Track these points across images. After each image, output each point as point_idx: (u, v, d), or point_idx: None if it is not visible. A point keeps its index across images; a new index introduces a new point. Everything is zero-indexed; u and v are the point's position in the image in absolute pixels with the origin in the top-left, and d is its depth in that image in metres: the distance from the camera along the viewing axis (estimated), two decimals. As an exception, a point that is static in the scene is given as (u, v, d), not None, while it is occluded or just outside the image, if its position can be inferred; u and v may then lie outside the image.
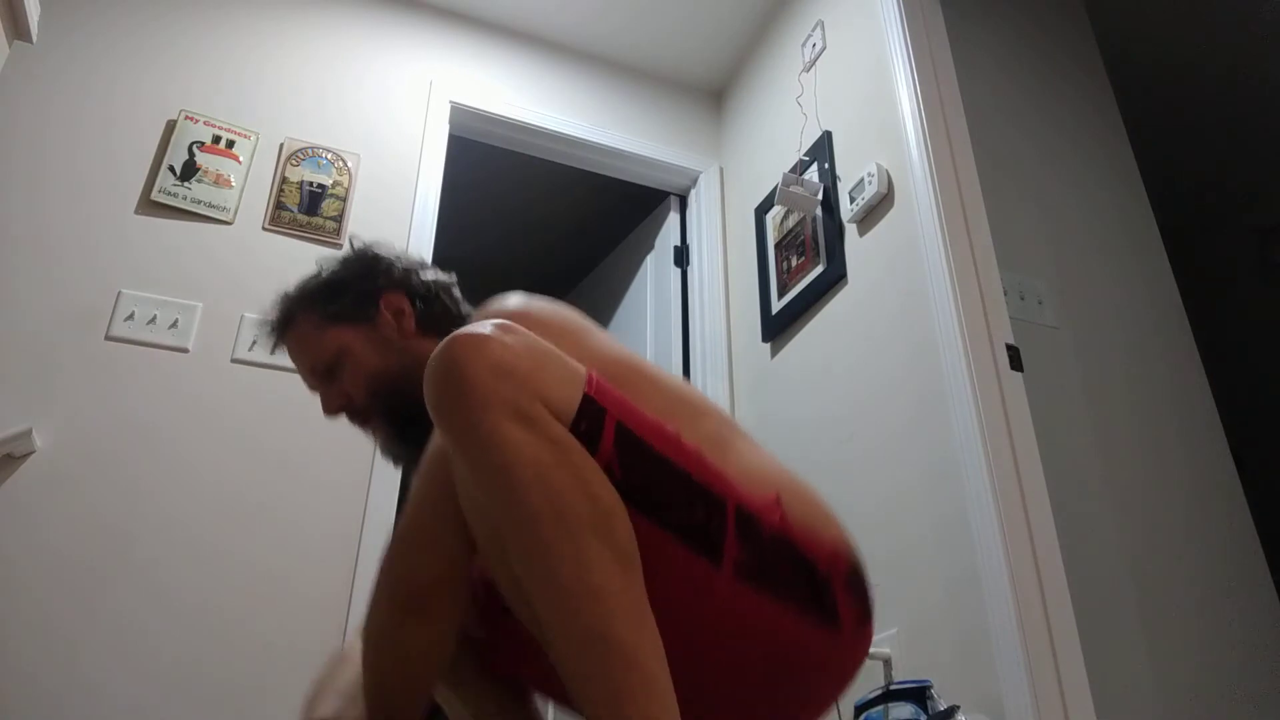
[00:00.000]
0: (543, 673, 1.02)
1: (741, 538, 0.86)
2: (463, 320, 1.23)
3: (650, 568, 0.82)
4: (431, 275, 1.27)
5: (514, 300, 1.08)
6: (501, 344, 0.83)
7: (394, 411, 1.17)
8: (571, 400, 0.84)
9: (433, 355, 0.84)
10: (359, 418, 1.21)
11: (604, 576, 0.77)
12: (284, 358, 2.19)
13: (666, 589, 0.83)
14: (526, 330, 0.87)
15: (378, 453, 2.21)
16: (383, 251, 1.27)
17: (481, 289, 2.77)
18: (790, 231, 2.57)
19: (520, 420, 0.79)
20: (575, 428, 0.83)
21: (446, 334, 1.03)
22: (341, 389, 1.20)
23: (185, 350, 2.18)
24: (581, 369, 0.88)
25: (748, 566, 0.86)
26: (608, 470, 0.83)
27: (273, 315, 1.25)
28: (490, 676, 1.08)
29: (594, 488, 0.81)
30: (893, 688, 1.62)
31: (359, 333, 1.19)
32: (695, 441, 0.92)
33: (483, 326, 0.85)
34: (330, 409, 1.21)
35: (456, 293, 1.28)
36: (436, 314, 1.23)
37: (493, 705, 1.07)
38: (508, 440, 0.79)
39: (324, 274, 1.25)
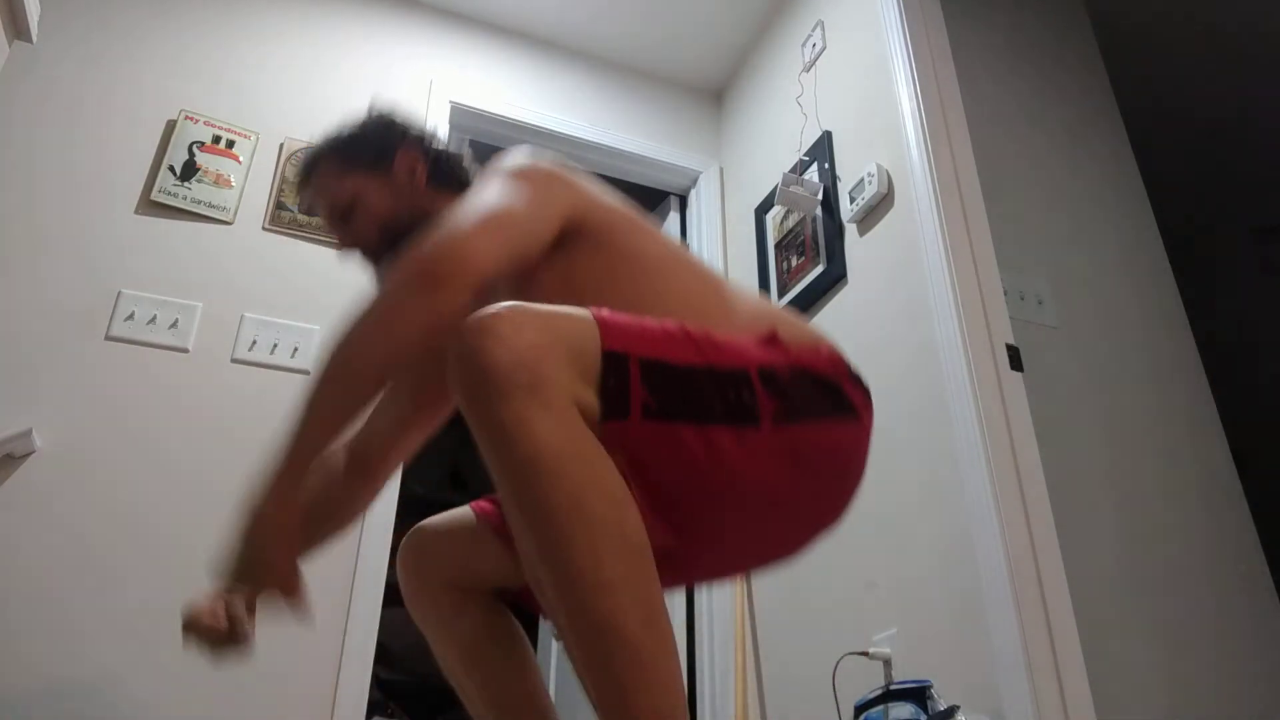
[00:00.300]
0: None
1: (770, 393, 0.95)
2: (468, 184, 1.31)
3: (707, 458, 0.90)
4: (443, 144, 1.38)
5: (514, 160, 1.15)
6: (515, 326, 0.84)
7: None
8: (593, 361, 0.87)
9: (453, 344, 0.85)
10: (370, 257, 1.29)
11: (615, 570, 0.79)
12: (283, 356, 2.19)
13: (725, 467, 0.92)
14: (534, 306, 0.89)
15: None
16: (399, 116, 1.37)
17: (481, 289, 2.78)
18: (790, 231, 2.57)
19: (541, 408, 0.81)
20: (605, 384, 0.87)
21: (455, 191, 1.28)
22: (356, 230, 1.29)
23: (185, 350, 2.18)
24: (590, 319, 0.90)
25: (782, 411, 0.96)
26: (644, 407, 0.88)
27: (301, 162, 1.36)
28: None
29: (608, 482, 0.83)
30: (893, 688, 1.62)
31: (374, 181, 1.29)
32: (696, 312, 1.02)
33: (498, 309, 0.86)
34: (344, 243, 1.31)
35: (467, 163, 1.37)
36: (446, 173, 1.33)
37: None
38: (528, 433, 0.80)
39: (346, 131, 1.34)
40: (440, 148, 1.36)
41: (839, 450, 1.03)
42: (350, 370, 0.99)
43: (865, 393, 1.08)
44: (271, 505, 1.00)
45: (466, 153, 1.39)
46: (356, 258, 1.30)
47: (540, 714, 1.19)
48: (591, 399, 0.86)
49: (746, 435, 0.93)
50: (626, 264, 1.11)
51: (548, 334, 0.85)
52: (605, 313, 0.92)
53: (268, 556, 1.00)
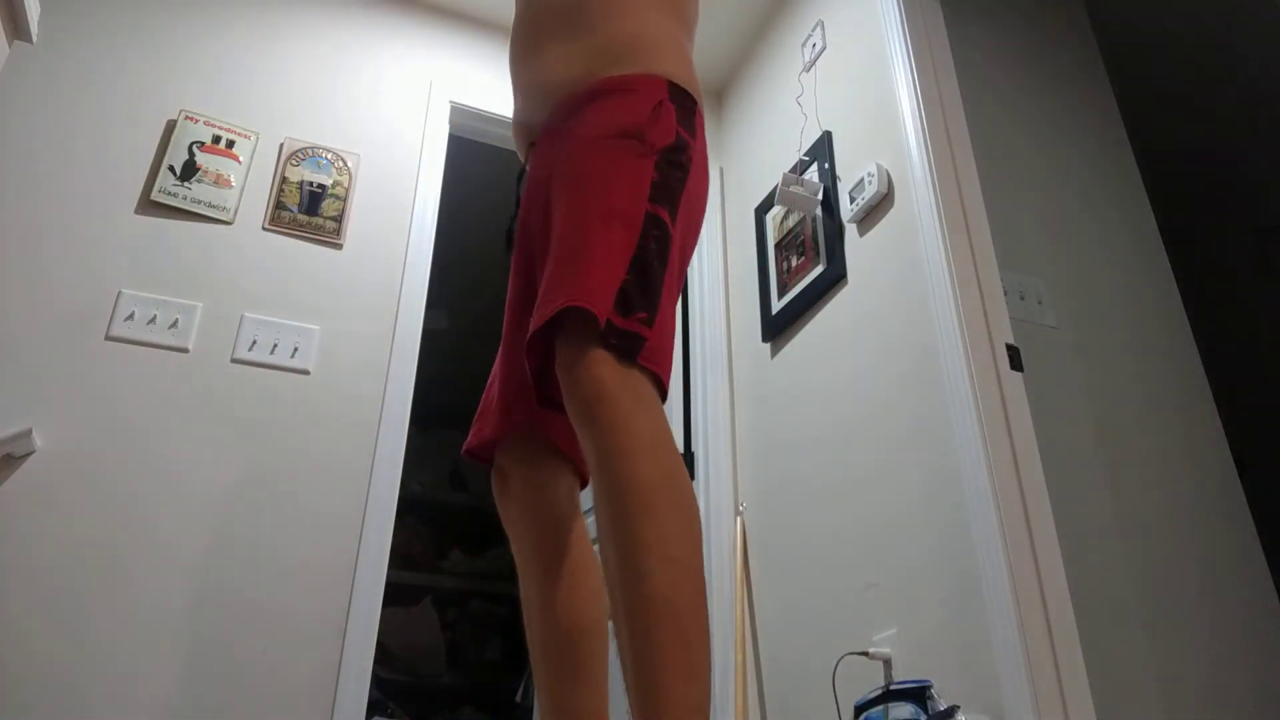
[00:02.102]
0: None
1: (662, 196, 1.16)
2: None
3: (676, 265, 1.17)
4: None
5: None
6: (603, 376, 1.00)
7: None
8: (616, 339, 1.03)
9: (572, 375, 1.01)
10: None
11: (681, 551, 0.88)
12: (283, 356, 2.18)
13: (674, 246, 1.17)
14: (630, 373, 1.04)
15: (378, 455, 2.21)
16: None
17: (481, 288, 2.77)
18: (790, 231, 2.57)
19: (638, 404, 0.97)
20: (627, 349, 1.04)
21: None
22: None
23: (185, 350, 2.18)
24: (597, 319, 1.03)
25: (669, 190, 1.18)
26: (641, 322, 1.06)
27: None
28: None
29: (683, 477, 0.95)
30: (893, 688, 1.62)
31: None
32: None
33: (611, 371, 1.01)
34: None
35: None
36: None
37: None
38: (631, 425, 0.95)
39: None
40: None
41: (697, 193, 1.24)
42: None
43: (691, 126, 1.25)
44: None
45: None
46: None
47: (595, 629, 1.23)
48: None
49: (672, 251, 1.14)
50: None
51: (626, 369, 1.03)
52: (590, 299, 1.03)
53: None
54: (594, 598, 1.22)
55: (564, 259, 1.08)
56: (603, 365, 1.00)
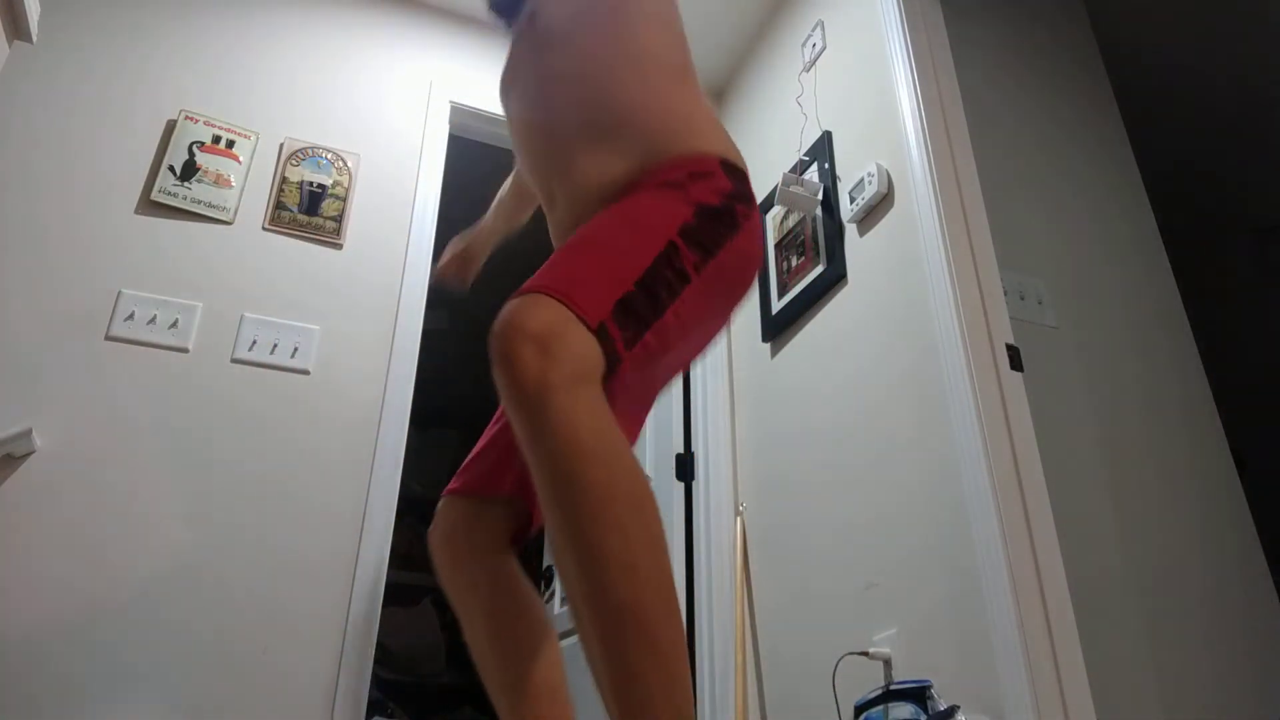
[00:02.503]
0: None
1: (692, 247, 1.09)
2: None
3: (659, 338, 1.04)
4: None
5: None
6: (536, 319, 0.90)
7: None
8: (591, 344, 0.94)
9: (498, 348, 0.91)
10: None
11: (639, 555, 0.83)
12: (283, 356, 2.18)
13: (672, 329, 1.06)
14: (553, 289, 0.95)
15: (378, 455, 2.21)
16: None
17: (481, 289, 2.77)
18: (790, 231, 2.57)
19: (570, 396, 0.87)
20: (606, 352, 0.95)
21: None
22: None
23: (185, 350, 2.18)
24: (581, 325, 0.95)
25: (701, 260, 1.09)
26: (625, 343, 0.97)
27: None
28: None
29: (636, 474, 0.88)
30: (893, 688, 1.62)
31: None
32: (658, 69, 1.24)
33: (538, 322, 0.91)
34: None
35: None
36: None
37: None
38: (566, 424, 0.86)
39: None
40: None
41: (741, 258, 1.15)
42: None
43: (745, 196, 1.19)
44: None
45: None
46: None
47: (553, 692, 1.19)
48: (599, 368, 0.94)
49: (686, 294, 1.06)
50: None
51: (559, 325, 0.91)
52: (574, 291, 0.97)
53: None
54: (552, 667, 1.20)
55: (569, 248, 1.05)
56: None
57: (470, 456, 1.30)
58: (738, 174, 1.20)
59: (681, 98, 1.25)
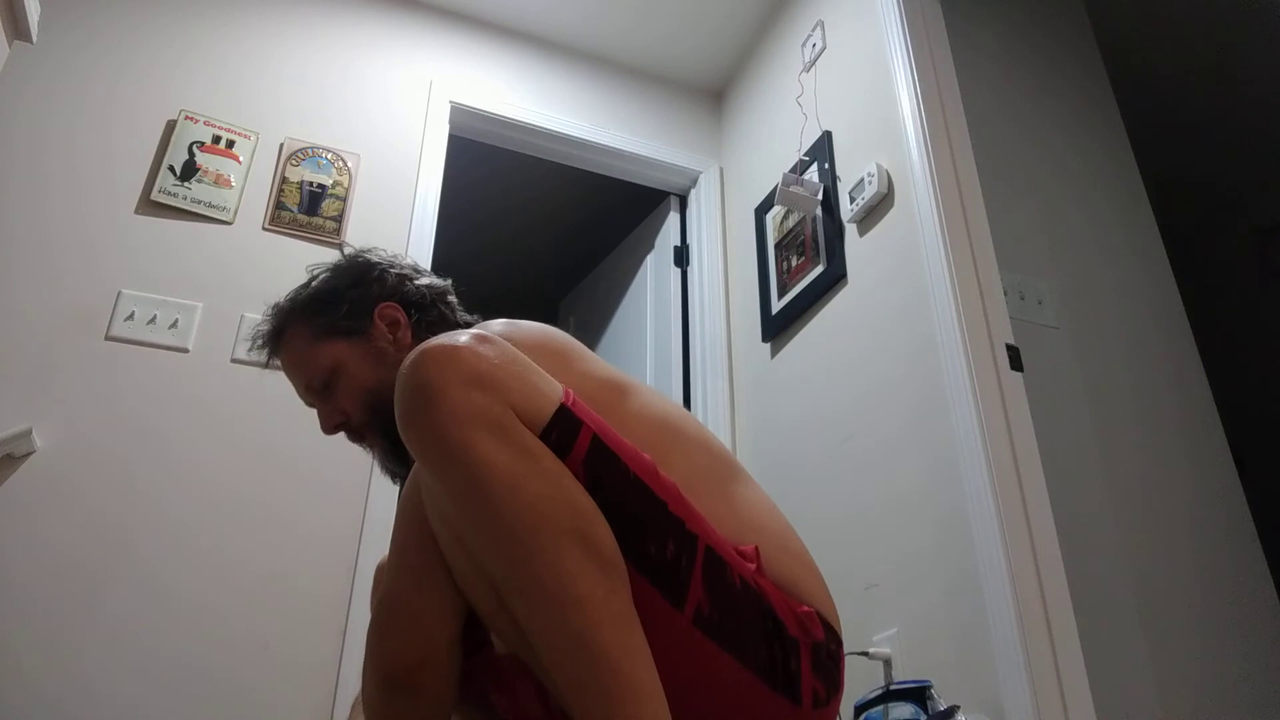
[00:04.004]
0: (514, 703, 1.00)
1: (708, 583, 0.83)
2: (458, 325, 1.19)
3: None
4: (426, 281, 1.22)
5: (498, 323, 1.05)
6: (474, 353, 0.80)
7: (391, 428, 1.16)
8: (544, 410, 0.81)
9: (402, 366, 0.81)
10: (356, 435, 1.18)
11: (588, 585, 0.76)
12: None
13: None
14: (504, 340, 0.85)
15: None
16: (376, 258, 1.22)
17: (481, 289, 2.77)
18: (790, 231, 2.57)
19: (491, 431, 0.77)
20: (546, 436, 0.80)
21: None
22: (338, 405, 1.17)
23: (185, 350, 2.18)
24: (559, 385, 0.86)
25: (709, 618, 0.82)
26: (575, 474, 0.81)
27: (263, 329, 1.22)
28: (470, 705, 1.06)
29: (571, 495, 0.79)
30: (893, 688, 1.62)
31: (353, 347, 1.15)
32: (682, 475, 0.89)
33: (456, 336, 0.82)
34: (327, 427, 1.18)
35: (452, 299, 1.24)
36: (432, 322, 1.18)
37: None
38: (479, 453, 0.77)
39: (315, 284, 1.20)
40: (424, 285, 1.20)
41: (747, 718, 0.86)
42: None
43: (827, 685, 0.90)
44: None
45: (448, 284, 1.24)
46: (343, 434, 1.18)
47: None
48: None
49: (662, 608, 0.82)
50: (627, 431, 0.97)
51: (503, 369, 0.81)
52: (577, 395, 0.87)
53: None
54: None
55: None
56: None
57: None
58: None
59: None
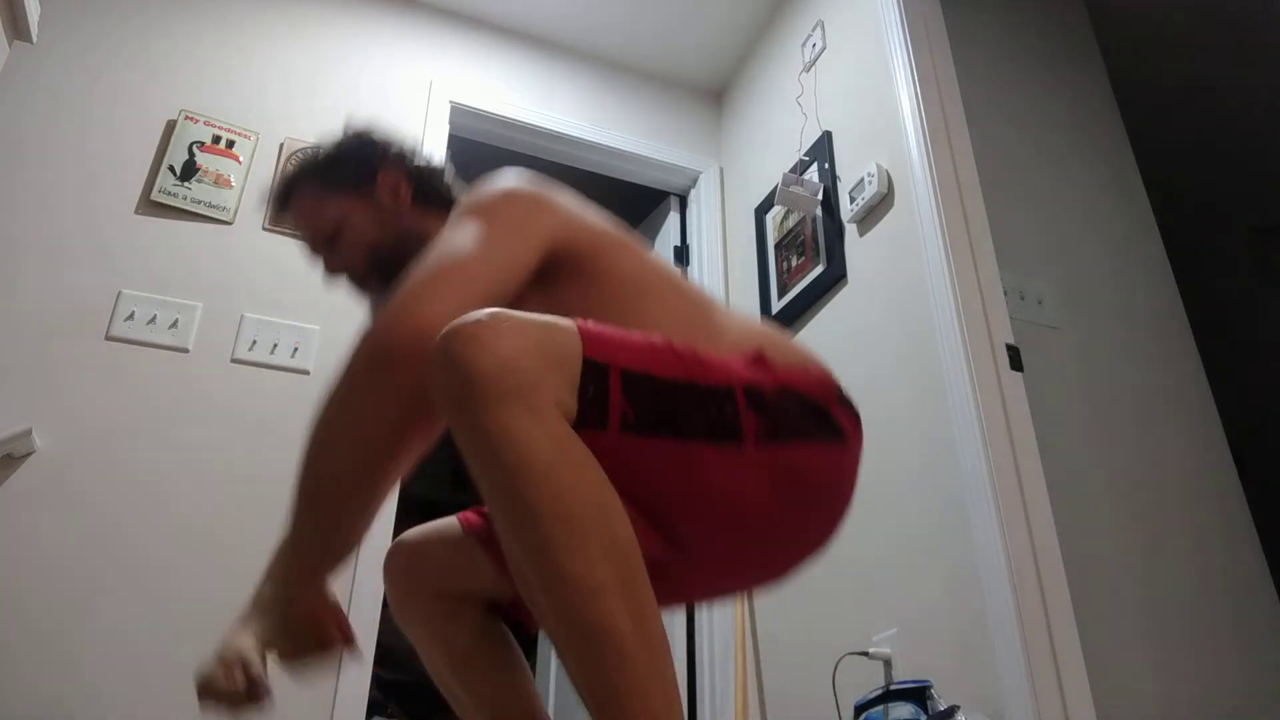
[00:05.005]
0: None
1: (754, 411, 0.94)
2: (452, 201, 1.27)
3: (688, 474, 0.91)
4: (424, 160, 1.33)
5: (490, 191, 1.09)
6: (497, 333, 0.83)
7: (390, 279, 1.18)
8: (574, 368, 0.86)
9: (435, 349, 0.84)
10: (357, 282, 1.26)
11: (605, 573, 0.78)
12: (283, 356, 2.18)
13: (706, 484, 0.91)
14: (516, 313, 0.87)
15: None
16: (378, 134, 1.33)
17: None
18: (790, 231, 2.57)
19: (526, 413, 0.80)
20: (584, 393, 0.85)
21: (441, 209, 1.24)
22: (342, 255, 1.26)
23: (185, 350, 2.18)
24: (572, 327, 0.89)
25: (766, 430, 0.94)
26: (622, 417, 0.87)
27: (277, 189, 1.32)
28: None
29: (596, 486, 0.82)
30: (893, 688, 1.62)
31: (358, 203, 1.25)
32: (683, 333, 0.99)
33: (479, 316, 0.84)
34: (331, 270, 1.27)
35: (448, 178, 1.33)
36: (430, 190, 1.29)
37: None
38: (514, 439, 0.80)
39: (324, 152, 1.30)
40: (423, 163, 1.32)
41: (823, 473, 1.00)
42: (325, 485, 1.00)
43: (854, 417, 1.06)
44: (295, 606, 1.04)
45: (449, 167, 1.35)
46: (344, 283, 1.27)
47: (531, 718, 1.18)
48: (573, 406, 0.85)
49: (728, 452, 0.92)
50: (612, 289, 1.08)
51: (529, 339, 0.84)
52: (589, 323, 0.91)
53: (304, 642, 1.06)
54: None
55: None
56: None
57: None
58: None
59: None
